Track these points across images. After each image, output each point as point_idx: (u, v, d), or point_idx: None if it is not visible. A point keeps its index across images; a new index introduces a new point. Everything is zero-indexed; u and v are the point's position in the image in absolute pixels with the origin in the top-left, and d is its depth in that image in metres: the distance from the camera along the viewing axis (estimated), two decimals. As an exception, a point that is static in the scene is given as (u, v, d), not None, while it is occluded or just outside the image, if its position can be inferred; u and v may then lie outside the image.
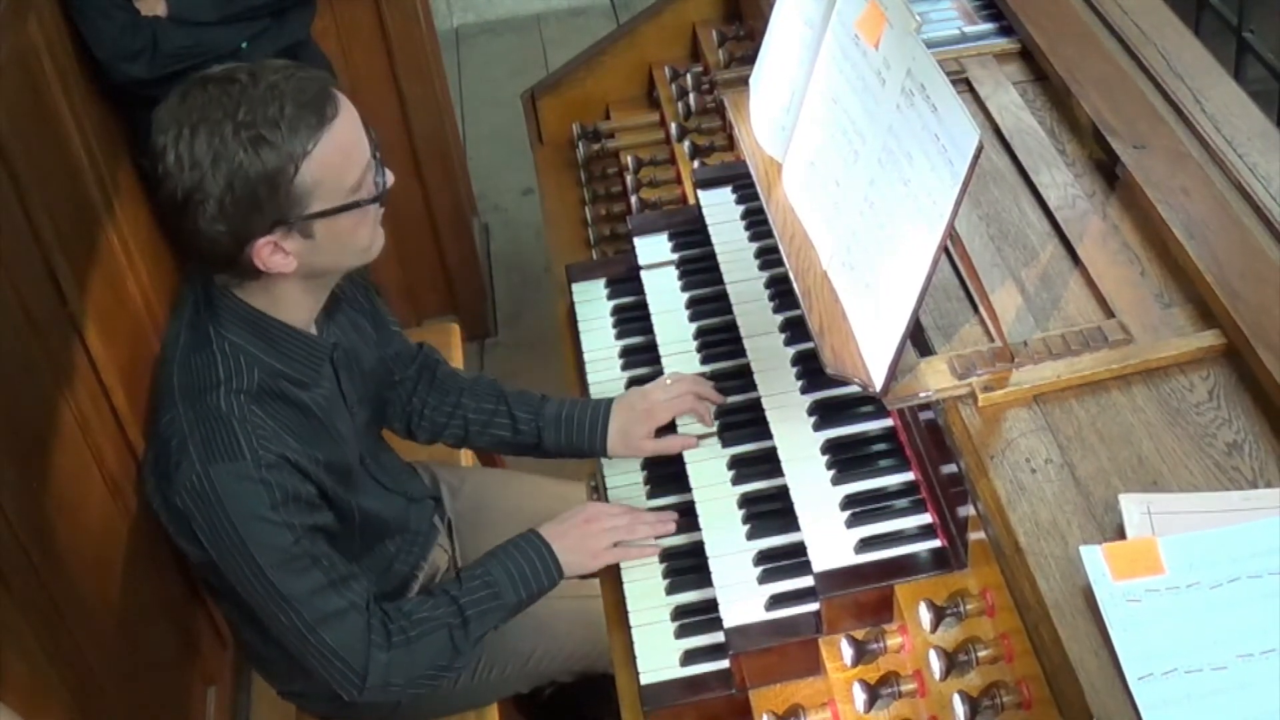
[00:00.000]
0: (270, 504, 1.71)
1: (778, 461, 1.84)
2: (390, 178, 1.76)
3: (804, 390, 1.91)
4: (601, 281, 2.33)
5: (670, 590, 1.86)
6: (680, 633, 1.80)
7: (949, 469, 1.61)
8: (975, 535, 1.54)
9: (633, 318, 2.25)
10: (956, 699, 1.42)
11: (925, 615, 1.51)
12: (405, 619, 1.86)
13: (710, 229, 2.20)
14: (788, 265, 1.81)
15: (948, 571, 1.63)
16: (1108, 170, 1.84)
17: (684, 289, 2.21)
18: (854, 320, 1.67)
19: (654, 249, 2.28)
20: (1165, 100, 1.87)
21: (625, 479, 2.06)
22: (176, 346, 1.80)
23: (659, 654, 1.78)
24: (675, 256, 2.26)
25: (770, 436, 1.88)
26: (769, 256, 2.12)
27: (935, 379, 1.57)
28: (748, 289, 2.09)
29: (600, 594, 1.94)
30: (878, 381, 1.58)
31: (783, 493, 1.81)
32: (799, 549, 1.74)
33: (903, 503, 1.73)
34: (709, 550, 1.82)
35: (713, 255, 2.17)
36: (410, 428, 2.21)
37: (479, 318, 3.92)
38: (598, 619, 1.95)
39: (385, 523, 2.05)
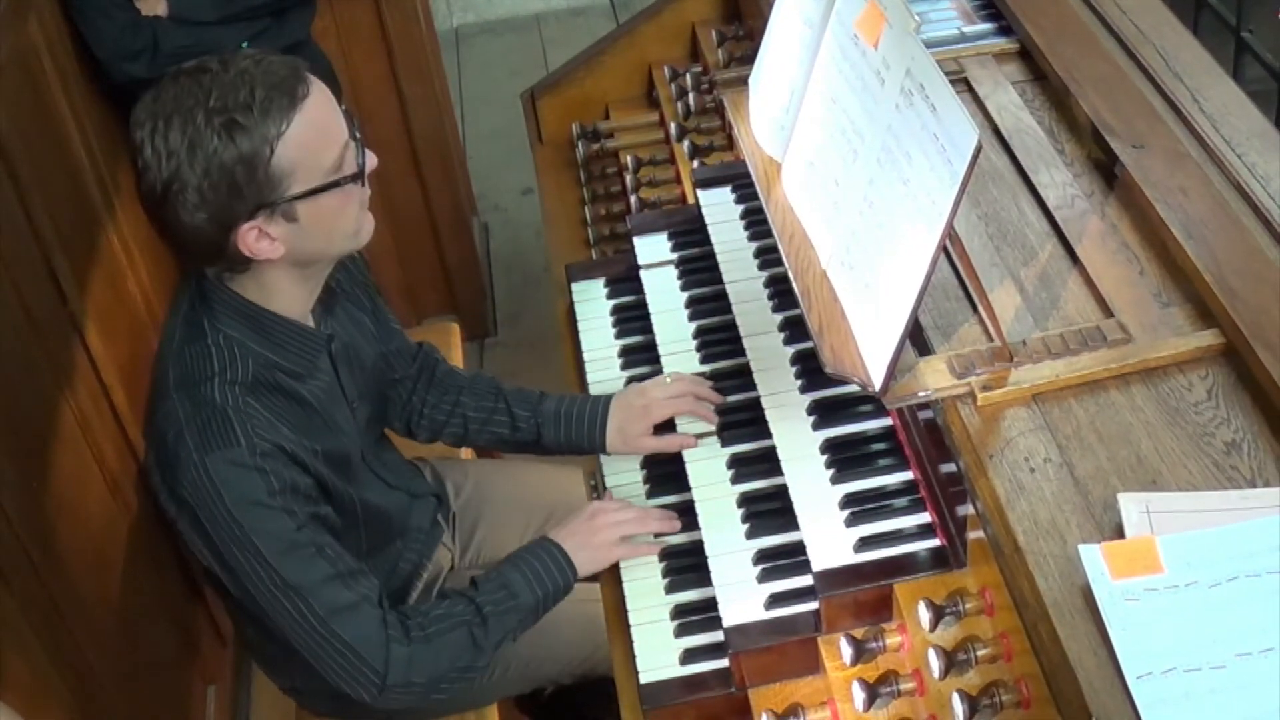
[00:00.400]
0: (268, 490, 1.71)
1: (777, 461, 1.84)
2: (373, 158, 1.76)
3: (803, 389, 1.91)
4: (601, 281, 2.33)
5: (670, 589, 1.86)
6: (679, 632, 1.80)
7: (948, 468, 1.61)
8: (974, 534, 1.54)
9: (632, 317, 2.25)
10: (955, 698, 1.42)
11: (924, 614, 1.51)
12: (422, 616, 1.84)
13: (709, 229, 2.20)
14: (787, 265, 1.81)
15: (947, 570, 1.63)
16: (1106, 170, 1.84)
17: (683, 288, 2.21)
18: (853, 320, 1.67)
19: (653, 248, 2.29)
20: (1164, 100, 1.87)
21: (625, 478, 2.06)
22: (173, 341, 1.81)
23: (658, 653, 1.78)
24: (675, 256, 2.27)
25: (769, 436, 1.88)
26: (768, 256, 2.12)
27: (934, 378, 1.57)
28: (747, 288, 2.09)
29: (600, 598, 1.94)
30: (877, 381, 1.58)
31: (782, 492, 1.81)
32: (798, 548, 1.74)
33: (902, 502, 1.73)
34: (708, 549, 1.82)
35: (712, 255, 2.17)
36: (410, 426, 2.22)
37: (479, 317, 3.93)
38: (598, 622, 1.95)
39: (389, 519, 2.05)
